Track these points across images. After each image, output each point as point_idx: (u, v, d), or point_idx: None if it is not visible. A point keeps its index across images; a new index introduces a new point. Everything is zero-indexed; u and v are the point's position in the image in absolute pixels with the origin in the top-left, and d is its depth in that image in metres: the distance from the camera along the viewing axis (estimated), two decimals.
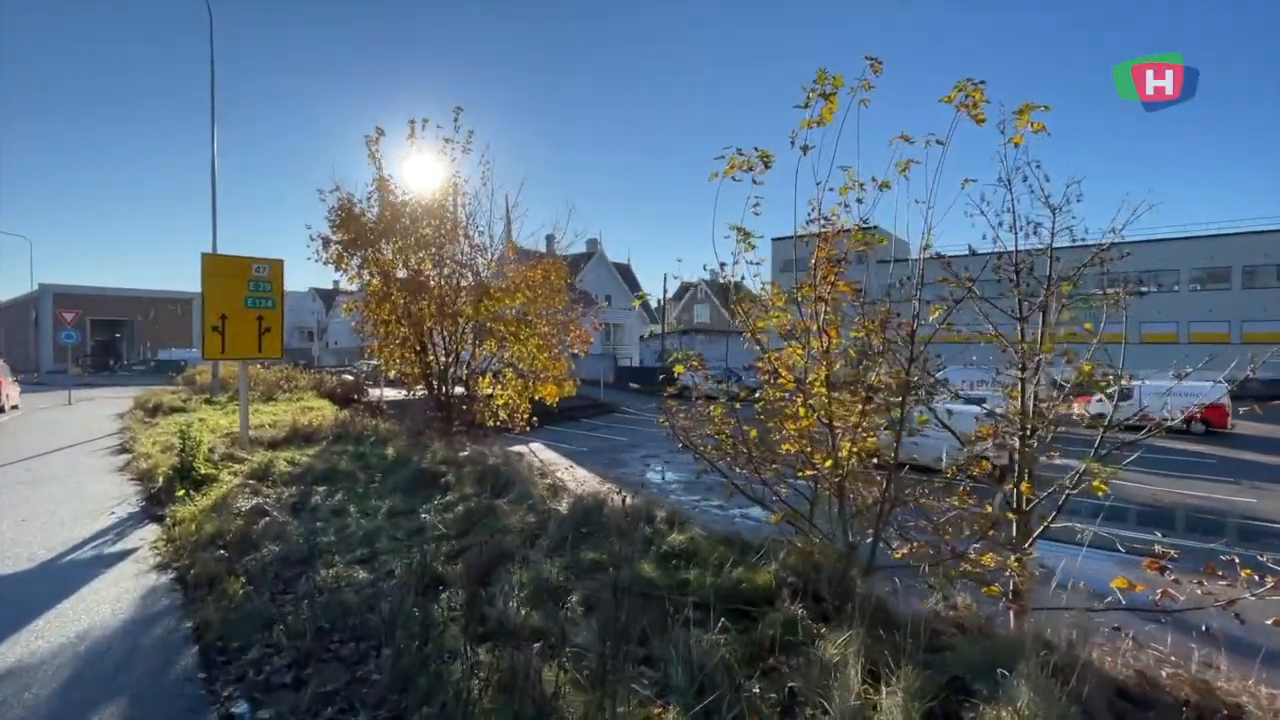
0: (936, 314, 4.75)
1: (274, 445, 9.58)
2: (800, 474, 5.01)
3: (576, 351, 15.55)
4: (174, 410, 13.71)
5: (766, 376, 5.17)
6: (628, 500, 6.48)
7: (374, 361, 34.78)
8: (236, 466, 7.80)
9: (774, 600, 3.98)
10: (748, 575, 4.24)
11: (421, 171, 13.16)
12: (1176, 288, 40.43)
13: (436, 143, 12.92)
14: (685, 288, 62.55)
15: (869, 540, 4.77)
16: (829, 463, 4.58)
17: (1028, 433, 5.19)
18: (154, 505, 6.47)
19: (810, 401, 4.69)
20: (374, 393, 21.19)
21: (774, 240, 58.10)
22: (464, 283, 13.38)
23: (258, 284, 9.28)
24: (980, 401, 19.59)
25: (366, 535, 5.23)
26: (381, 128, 12.89)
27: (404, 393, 22.14)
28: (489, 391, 14.12)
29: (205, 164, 19.28)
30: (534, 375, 14.06)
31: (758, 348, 5.37)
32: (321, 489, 6.83)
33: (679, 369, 5.57)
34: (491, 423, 14.08)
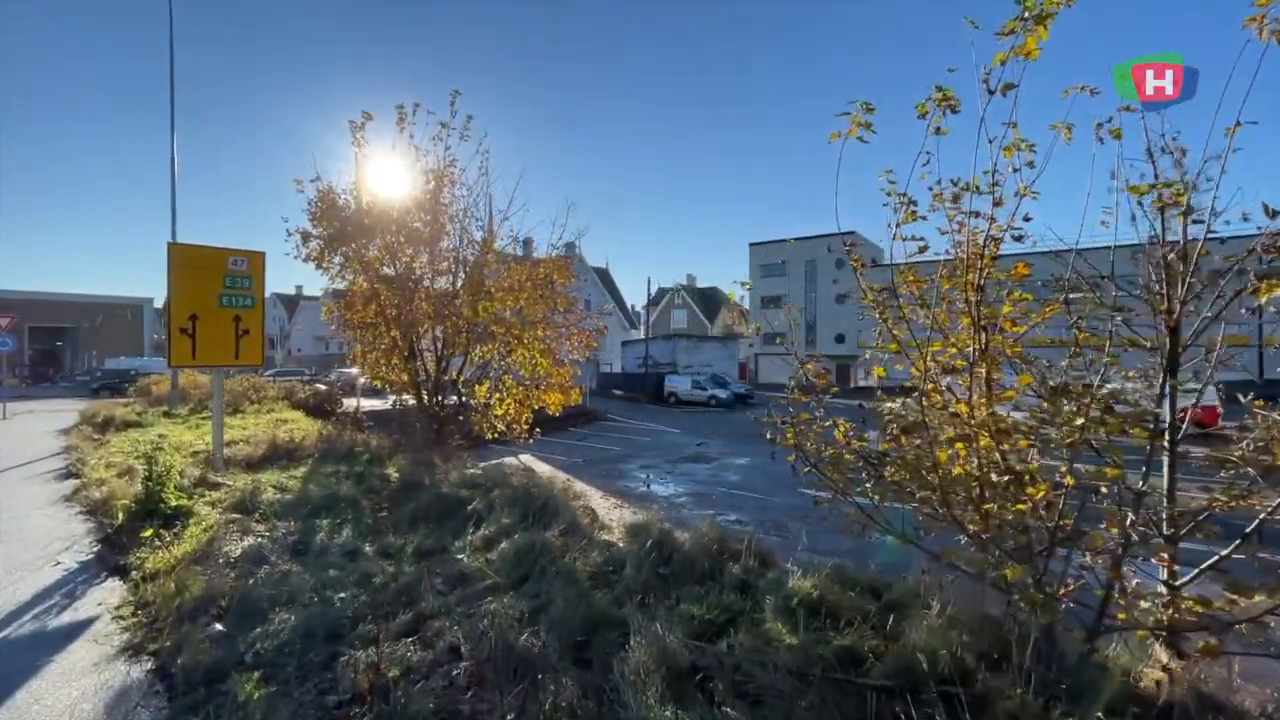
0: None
1: (252, 466, 8.28)
2: (984, 504, 4.02)
3: (577, 357, 14.47)
4: (128, 425, 12.13)
5: (917, 382, 4.18)
6: (694, 532, 5.52)
7: (347, 370, 32.97)
8: (213, 494, 6.53)
9: (969, 676, 3.05)
10: (924, 640, 3.30)
11: (412, 161, 11.94)
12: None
13: (430, 129, 11.74)
14: (662, 293, 61.77)
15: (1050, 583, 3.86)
16: (1040, 492, 3.49)
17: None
18: (113, 550, 5.14)
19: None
20: (348, 403, 19.72)
21: (752, 245, 58.37)
22: (460, 283, 12.20)
23: (234, 279, 8.00)
24: None
25: (401, 589, 4.10)
26: (369, 112, 11.66)
27: (385, 402, 20.74)
28: (486, 400, 12.94)
29: (161, 163, 17.58)
30: (537, 382, 12.94)
31: (888, 346, 4.40)
32: (324, 522, 5.64)
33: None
34: (490, 435, 12.90)
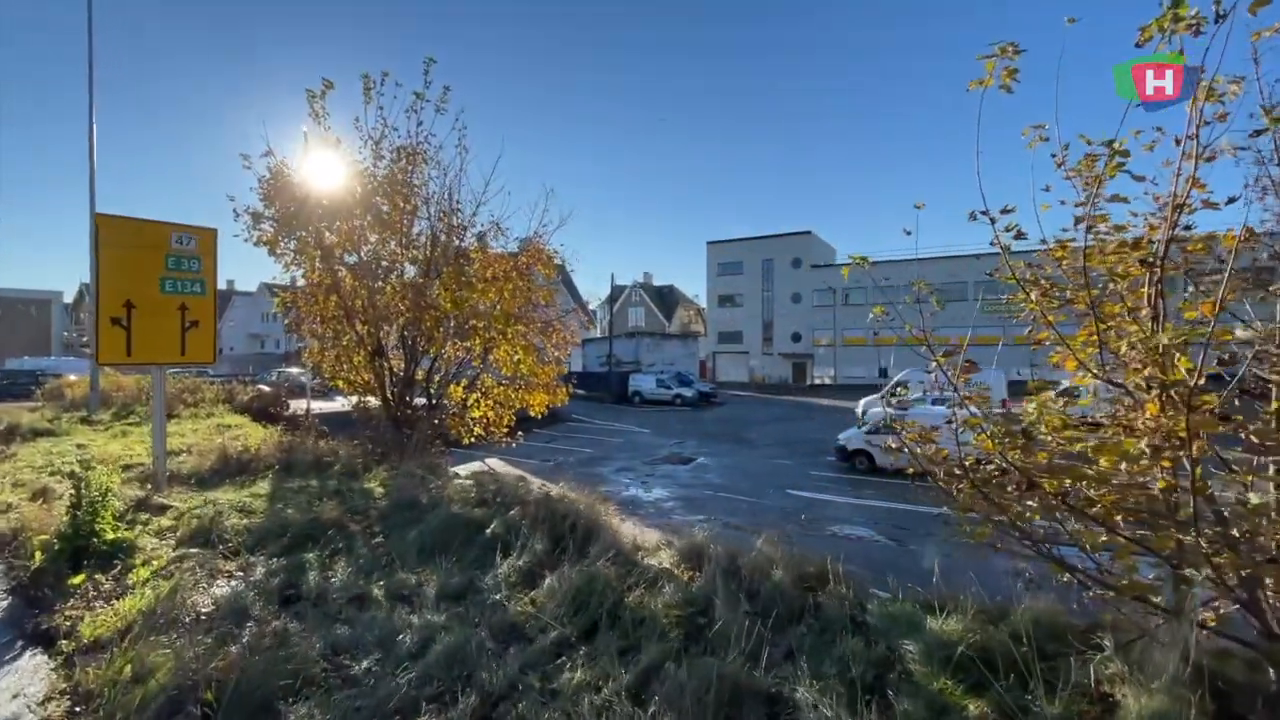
0: None
1: (202, 482, 6.98)
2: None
3: (558, 354, 13.46)
4: (38, 434, 10.36)
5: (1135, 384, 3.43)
6: (756, 554, 4.75)
7: (289, 370, 30.76)
8: (161, 521, 5.29)
9: None
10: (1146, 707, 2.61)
11: (381, 135, 10.68)
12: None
13: (402, 102, 10.53)
14: (618, 290, 61.02)
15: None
16: None
17: None
18: (30, 606, 3.79)
19: None
20: (297, 405, 17.99)
21: (710, 243, 58.23)
22: (435, 271, 11.03)
23: (180, 260, 6.67)
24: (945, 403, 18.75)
25: (446, 654, 3.11)
26: (328, 80, 10.35)
27: (338, 404, 19.12)
28: (463, 401, 11.81)
29: (74, 135, 15.47)
30: (519, 382, 11.90)
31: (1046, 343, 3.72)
32: (311, 555, 4.55)
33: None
34: (468, 439, 11.78)
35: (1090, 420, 3.78)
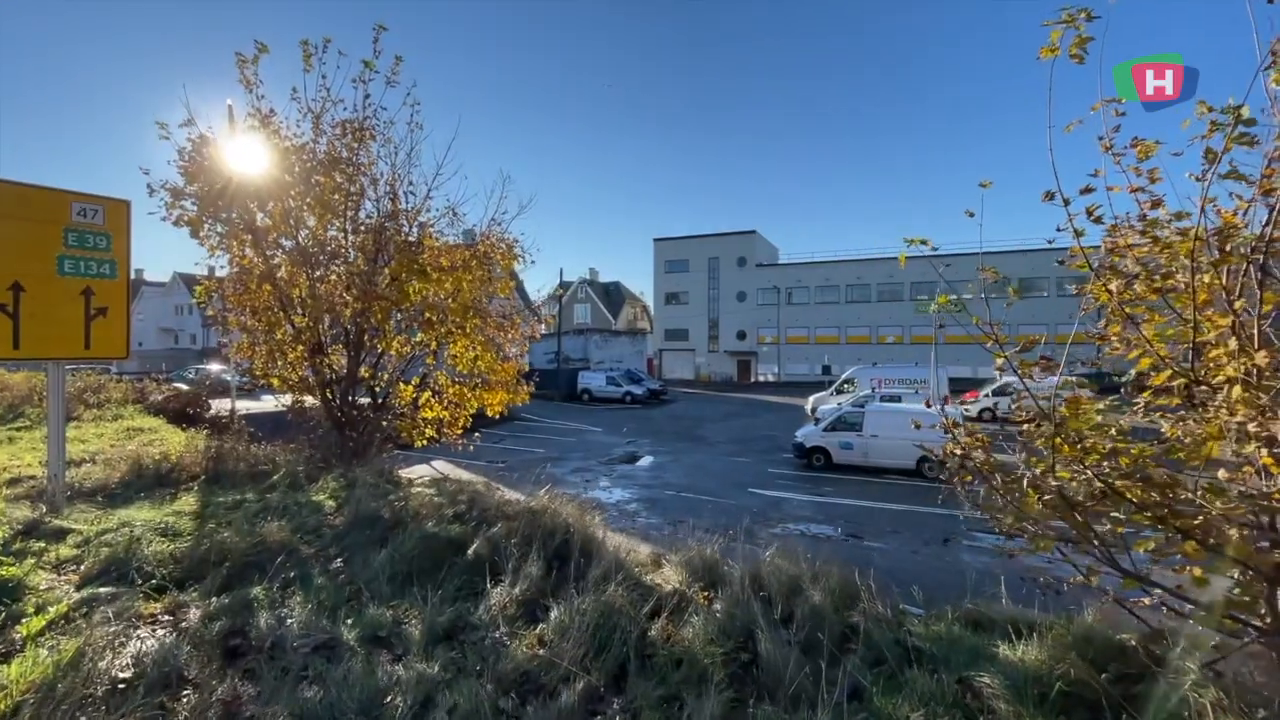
0: None
1: (112, 499, 5.94)
2: None
3: (515, 351, 12.69)
4: None
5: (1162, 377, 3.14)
6: (773, 569, 4.32)
7: (207, 367, 28.44)
8: (58, 550, 4.32)
9: None
10: None
11: (323, 107, 9.63)
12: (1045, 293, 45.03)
13: (348, 72, 9.52)
14: (564, 286, 60.07)
15: None
16: None
17: None
18: None
19: None
20: (220, 406, 16.36)
21: (656, 240, 58.02)
22: (384, 259, 10.09)
23: (84, 236, 5.59)
24: (896, 399, 19.34)
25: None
26: (262, 43, 9.23)
27: (266, 403, 17.60)
28: (413, 400, 10.90)
29: None
30: (476, 379, 11.08)
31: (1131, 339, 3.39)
32: (259, 592, 3.76)
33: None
34: (420, 441, 10.88)
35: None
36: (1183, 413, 3.28)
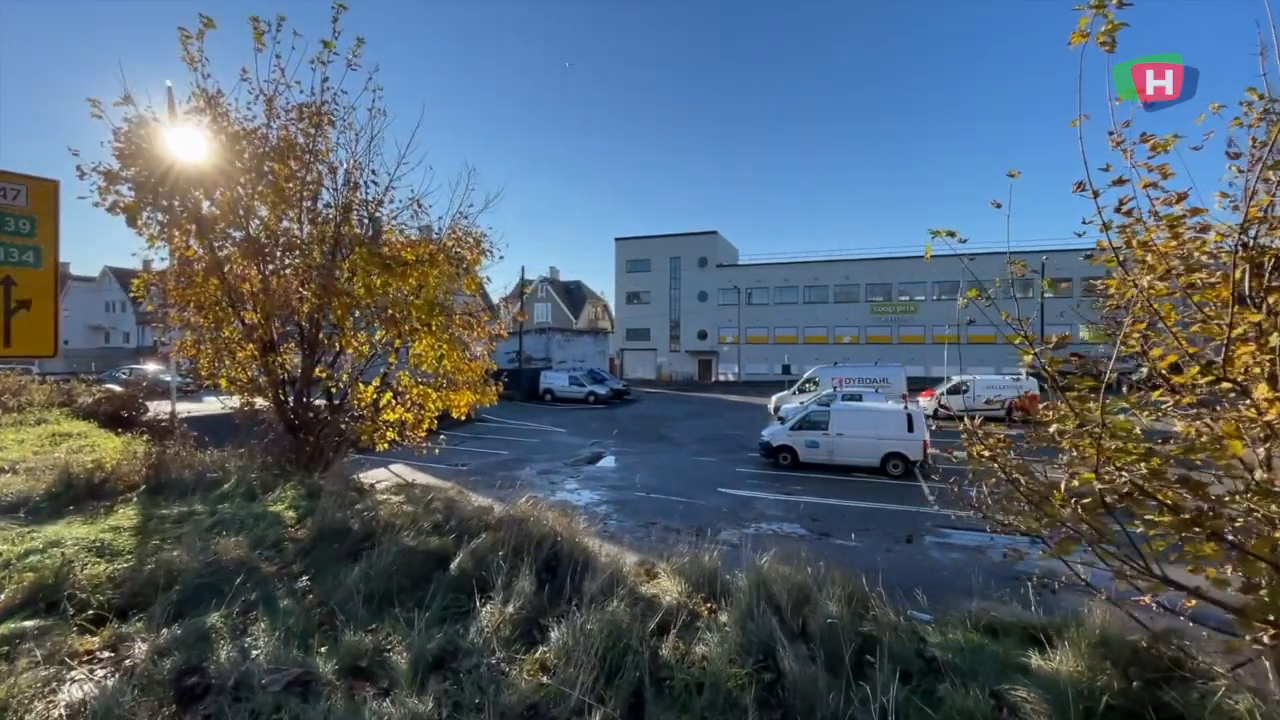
0: None
1: (38, 513, 5.33)
2: None
3: (483, 351, 12.21)
4: None
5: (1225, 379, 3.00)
6: (776, 576, 4.15)
7: (142, 367, 26.77)
8: None
9: None
10: None
11: (277, 89, 9.00)
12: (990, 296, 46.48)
13: (305, 53, 8.95)
14: (524, 285, 59.24)
15: None
16: None
17: None
18: None
19: None
20: (159, 408, 15.27)
21: (618, 240, 57.73)
22: (344, 253, 9.52)
23: (4, 219, 4.96)
24: (858, 398, 19.62)
25: None
26: (208, 17, 8.56)
27: (208, 405, 16.60)
28: (374, 402, 10.35)
29: None
30: (442, 380, 10.60)
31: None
32: (217, 619, 3.33)
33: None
34: (381, 444, 10.33)
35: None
36: (1198, 410, 3.23)
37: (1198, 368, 2.96)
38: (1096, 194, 2.99)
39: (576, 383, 32.81)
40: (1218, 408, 3.16)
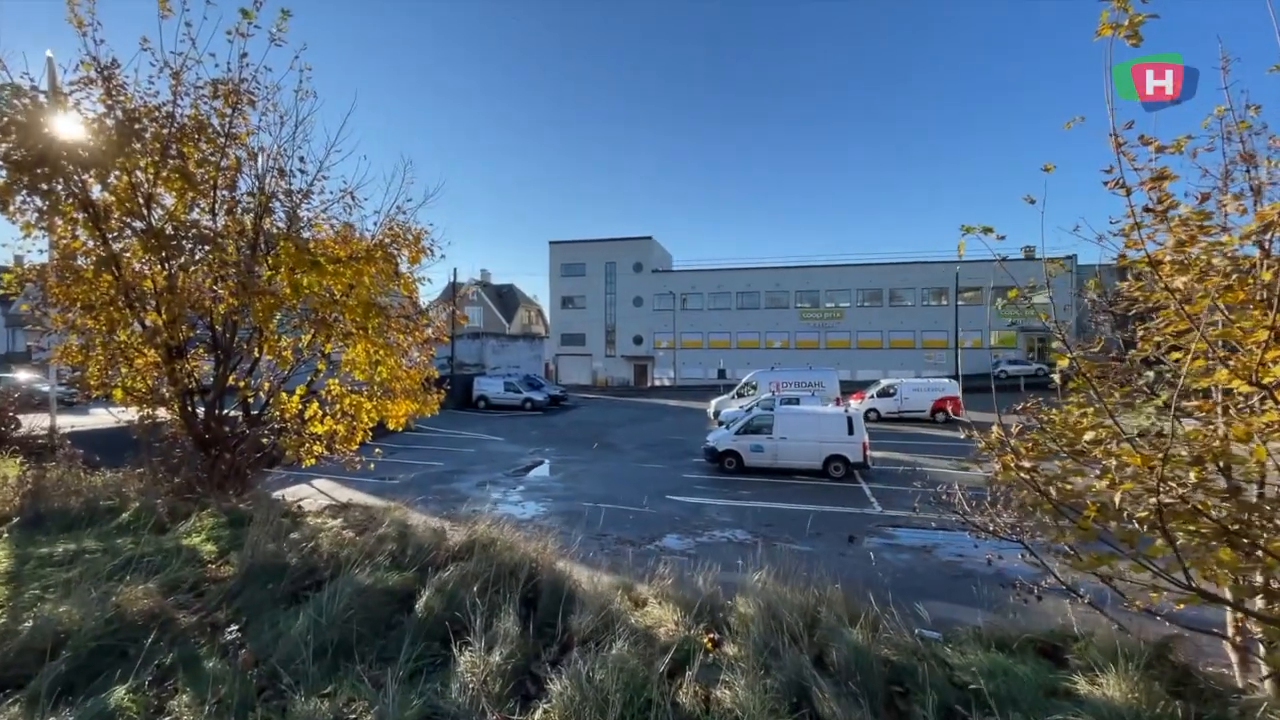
0: None
1: None
2: None
3: (419, 357, 11.37)
4: None
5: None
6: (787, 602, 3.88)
7: (18, 376, 23.74)
8: None
9: None
10: None
11: (185, 61, 7.98)
12: (909, 303, 48.97)
13: (217, 23, 7.99)
14: (451, 288, 57.30)
15: None
16: None
17: None
18: None
19: None
20: (34, 422, 13.36)
21: (553, 243, 56.81)
22: (266, 248, 8.58)
23: None
24: (795, 401, 20.00)
25: None
26: None
27: (111, 418, 14.77)
28: (299, 413, 9.38)
29: None
30: (377, 388, 9.74)
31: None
32: (124, 694, 2.65)
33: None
34: (309, 460, 9.36)
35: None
36: (1208, 415, 3.18)
37: (1224, 373, 2.87)
38: (1129, 191, 2.86)
39: (512, 389, 31.81)
40: (1231, 411, 3.11)
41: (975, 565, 9.99)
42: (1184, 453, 2.67)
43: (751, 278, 51.08)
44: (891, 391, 28.04)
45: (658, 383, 52.96)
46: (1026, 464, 2.92)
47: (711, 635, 3.58)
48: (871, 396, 28.29)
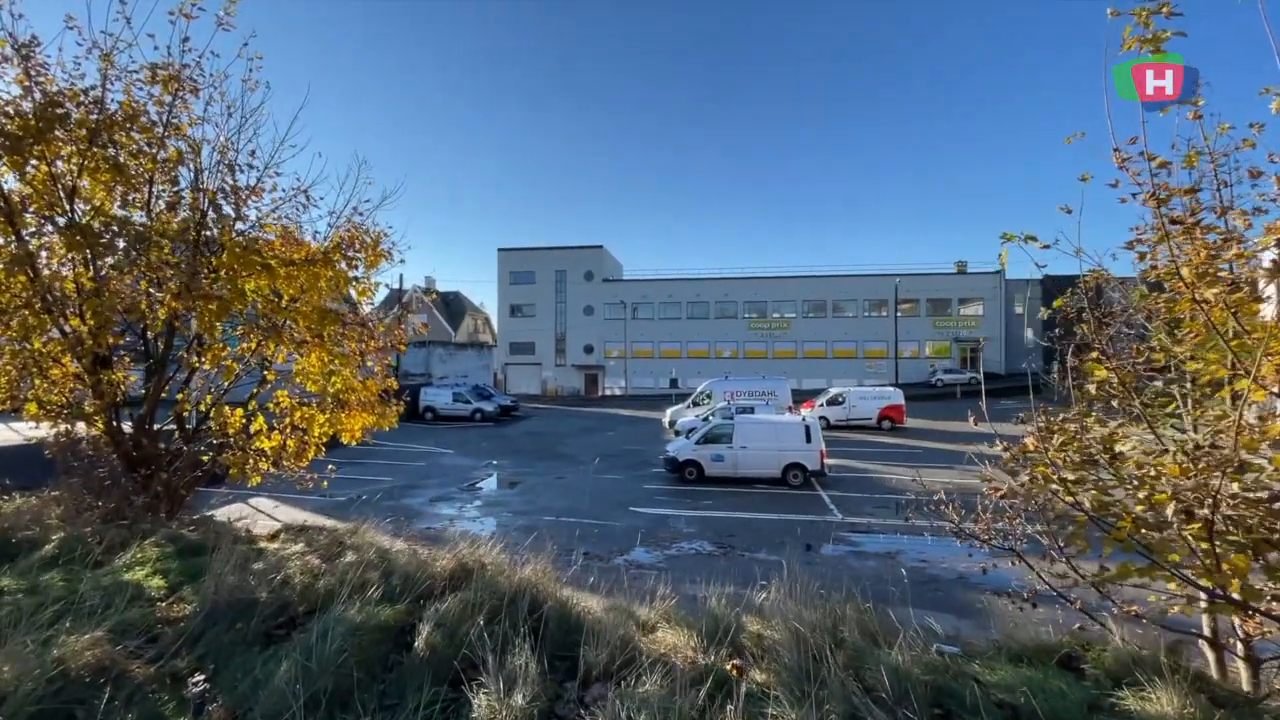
0: None
1: None
2: None
3: (374, 366, 10.73)
4: None
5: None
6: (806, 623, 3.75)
7: None
8: None
9: None
10: None
11: (115, 46, 7.26)
12: (851, 314, 50.44)
13: (160, 3, 7.33)
14: (396, 295, 55.38)
15: None
16: None
17: None
18: None
19: None
20: None
21: (501, 250, 55.81)
22: (211, 248, 7.89)
23: None
24: (750, 410, 20.28)
25: None
26: None
27: (20, 435, 13.39)
28: (244, 428, 8.66)
29: None
30: (330, 400, 9.11)
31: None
32: None
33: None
34: (255, 478, 8.63)
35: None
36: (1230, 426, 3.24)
37: (1246, 381, 2.92)
38: (1160, 202, 2.88)
39: (461, 399, 30.82)
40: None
41: (939, 570, 10.24)
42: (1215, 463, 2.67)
43: (701, 288, 51.64)
44: (840, 400, 28.75)
45: (609, 392, 52.65)
46: (1070, 476, 2.88)
47: (734, 662, 3.38)
48: (822, 405, 28.91)
